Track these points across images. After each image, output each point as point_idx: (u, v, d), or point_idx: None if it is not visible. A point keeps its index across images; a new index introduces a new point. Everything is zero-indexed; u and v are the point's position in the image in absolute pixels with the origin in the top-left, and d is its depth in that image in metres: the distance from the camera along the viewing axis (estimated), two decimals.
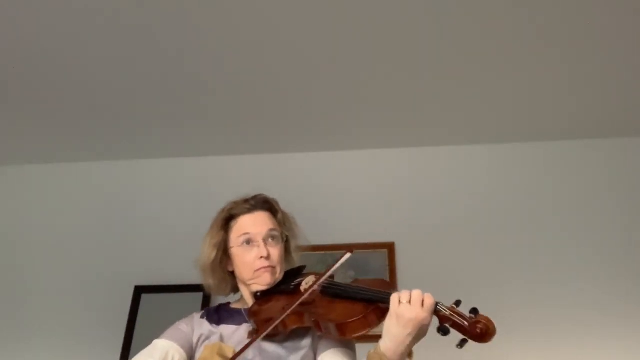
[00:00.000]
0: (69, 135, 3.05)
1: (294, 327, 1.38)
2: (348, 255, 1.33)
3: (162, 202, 3.14)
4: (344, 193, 3.10)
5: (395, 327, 1.19)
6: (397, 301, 1.21)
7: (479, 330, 1.15)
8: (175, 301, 2.81)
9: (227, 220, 1.56)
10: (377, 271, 2.89)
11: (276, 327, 1.36)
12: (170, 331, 1.49)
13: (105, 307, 2.88)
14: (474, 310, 1.19)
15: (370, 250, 2.93)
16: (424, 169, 3.13)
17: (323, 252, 2.92)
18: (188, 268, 2.87)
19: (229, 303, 1.59)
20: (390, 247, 2.93)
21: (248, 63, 2.51)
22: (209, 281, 1.55)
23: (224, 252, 1.54)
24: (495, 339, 2.97)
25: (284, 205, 3.03)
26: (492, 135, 3.08)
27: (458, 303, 1.22)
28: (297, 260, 1.60)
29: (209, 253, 1.52)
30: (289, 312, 1.32)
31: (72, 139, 3.09)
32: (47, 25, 2.26)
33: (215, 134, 3.06)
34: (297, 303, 1.33)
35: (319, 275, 1.40)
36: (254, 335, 1.41)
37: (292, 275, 1.53)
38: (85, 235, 3.10)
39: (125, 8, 2.18)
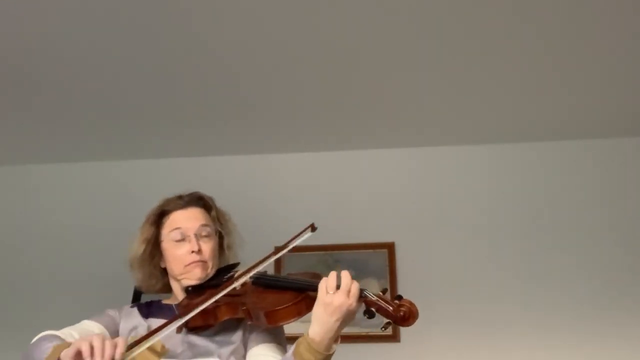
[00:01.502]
0: (70, 135, 3.05)
1: (226, 317, 1.39)
2: (309, 233, 1.37)
3: None
4: (344, 193, 3.10)
5: (323, 314, 1.22)
6: (325, 289, 1.23)
7: (402, 313, 1.20)
8: None
9: (159, 216, 1.57)
10: (377, 271, 2.89)
11: (207, 318, 1.38)
12: (98, 315, 1.54)
13: (105, 307, 2.87)
14: (398, 297, 1.23)
15: (370, 250, 2.94)
16: (424, 169, 3.14)
17: (323, 252, 2.93)
18: None
19: (160, 300, 1.59)
20: (390, 247, 2.93)
21: (248, 64, 2.51)
22: (137, 276, 1.56)
23: (155, 248, 1.54)
24: (495, 338, 2.99)
25: (284, 205, 3.05)
26: (492, 135, 3.08)
27: (384, 291, 1.26)
28: (231, 258, 1.58)
29: (137, 248, 1.53)
30: (217, 297, 1.33)
31: (73, 139, 3.09)
32: (47, 25, 2.26)
33: (215, 134, 3.06)
34: (228, 289, 1.34)
35: (251, 267, 1.41)
36: (182, 329, 1.42)
37: (225, 271, 1.52)
38: (85, 235, 3.10)
39: (126, 8, 2.18)
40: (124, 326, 1.50)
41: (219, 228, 1.56)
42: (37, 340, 1.34)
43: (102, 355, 1.13)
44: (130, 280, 3.09)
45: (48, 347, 1.25)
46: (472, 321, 2.74)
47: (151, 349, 1.33)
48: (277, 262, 2.83)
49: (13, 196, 3.27)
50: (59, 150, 3.18)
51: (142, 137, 3.08)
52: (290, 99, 2.78)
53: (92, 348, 1.13)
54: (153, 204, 3.39)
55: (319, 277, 1.34)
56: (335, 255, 2.94)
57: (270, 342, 1.41)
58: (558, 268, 2.83)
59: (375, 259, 2.92)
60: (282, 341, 1.44)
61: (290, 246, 1.43)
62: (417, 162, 3.16)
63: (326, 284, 1.24)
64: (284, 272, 2.87)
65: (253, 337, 1.42)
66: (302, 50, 2.44)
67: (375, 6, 2.19)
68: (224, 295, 1.37)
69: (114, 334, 1.47)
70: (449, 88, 2.70)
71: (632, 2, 2.16)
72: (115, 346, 1.15)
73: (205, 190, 3.44)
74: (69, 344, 1.22)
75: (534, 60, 2.50)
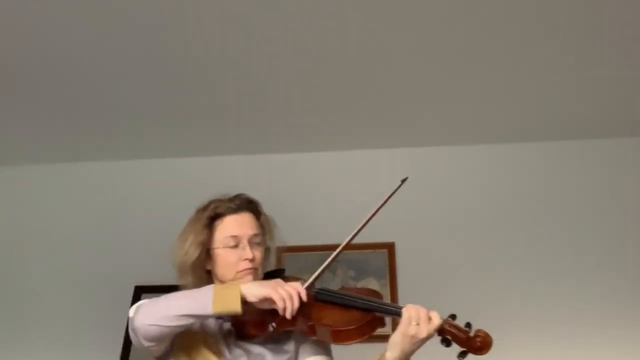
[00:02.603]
0: (69, 135, 3.05)
1: (286, 329, 1.38)
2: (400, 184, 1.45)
3: (162, 202, 3.14)
4: (344, 193, 3.09)
5: (407, 345, 1.30)
6: (409, 322, 1.29)
7: (478, 343, 1.30)
8: None
9: (212, 218, 1.54)
10: (377, 271, 2.89)
11: (266, 327, 1.37)
12: None
13: (105, 307, 2.88)
14: (468, 325, 1.33)
15: (370, 250, 2.93)
16: (424, 169, 3.13)
17: (323, 252, 2.92)
18: None
19: None
20: (390, 247, 2.93)
21: (248, 63, 2.51)
22: (187, 280, 1.53)
23: (205, 251, 1.53)
24: (497, 338, 2.97)
25: (285, 205, 3.04)
26: (492, 135, 3.08)
27: (454, 317, 1.35)
28: (273, 262, 1.60)
29: (192, 252, 1.50)
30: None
31: (72, 139, 3.09)
32: (47, 25, 2.26)
33: (216, 134, 3.06)
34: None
35: (317, 275, 1.40)
36: (230, 335, 1.42)
37: (273, 276, 1.53)
38: (85, 235, 3.10)
39: (127, 8, 2.18)
40: None
41: (268, 235, 1.58)
42: (153, 300, 1.38)
43: (292, 305, 1.28)
44: (130, 279, 3.11)
45: (203, 291, 1.33)
46: (473, 321, 2.72)
47: (210, 350, 1.35)
48: (278, 262, 2.82)
49: (13, 196, 3.27)
50: (57, 150, 3.18)
51: (142, 137, 3.08)
52: (290, 99, 2.78)
53: (281, 295, 1.26)
54: (152, 204, 3.37)
55: (377, 295, 1.41)
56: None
57: (322, 354, 1.44)
58: (559, 268, 2.83)
59: (375, 259, 2.92)
60: (330, 353, 1.48)
61: (385, 203, 1.53)
62: (417, 162, 3.15)
63: (410, 315, 1.30)
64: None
65: (305, 347, 1.44)
66: (302, 50, 2.44)
67: (376, 5, 2.19)
68: None
69: None
70: (450, 88, 2.70)
71: (633, 2, 2.17)
72: (298, 293, 1.29)
73: (205, 190, 3.43)
74: (232, 284, 1.33)
75: (535, 60, 2.50)
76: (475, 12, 2.23)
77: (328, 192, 3.10)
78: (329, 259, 1.42)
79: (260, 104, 2.81)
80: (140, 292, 2.88)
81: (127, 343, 2.73)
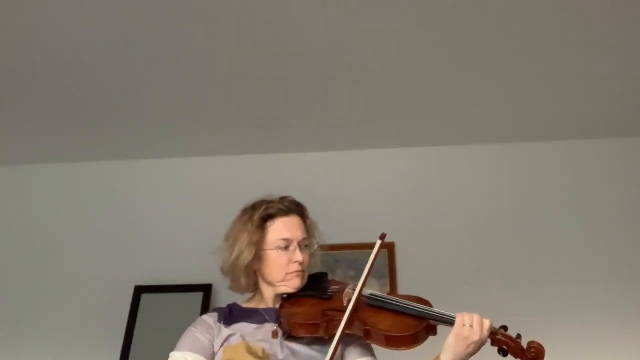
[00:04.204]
0: (70, 135, 3.05)
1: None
2: (379, 242, 1.45)
3: (162, 202, 3.14)
4: (344, 193, 3.09)
5: (461, 347, 1.34)
6: (462, 324, 1.35)
7: (533, 354, 1.33)
8: (175, 301, 2.81)
9: (263, 219, 1.54)
10: (377, 271, 2.88)
11: (317, 330, 1.41)
12: (190, 342, 1.46)
13: (105, 307, 2.88)
14: (519, 336, 1.37)
15: (370, 250, 2.92)
16: (424, 169, 3.13)
17: (323, 252, 2.92)
18: (188, 268, 2.88)
19: (234, 302, 1.59)
20: (390, 247, 2.93)
21: (249, 63, 2.51)
22: (240, 280, 1.53)
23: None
24: None
25: None
26: (493, 135, 3.08)
27: (505, 328, 1.39)
28: (313, 264, 1.62)
29: (248, 252, 1.50)
30: (348, 314, 1.35)
31: (73, 139, 3.08)
32: (46, 25, 2.26)
33: (215, 134, 3.06)
34: (351, 305, 1.36)
35: (364, 283, 1.43)
36: (279, 335, 1.45)
37: (317, 280, 1.57)
38: (86, 235, 3.10)
39: (124, 8, 2.18)
40: (218, 341, 1.47)
41: (314, 239, 1.60)
42: None
43: None
44: (130, 279, 3.10)
45: None
46: None
47: (252, 352, 1.35)
48: None
49: (13, 196, 3.27)
50: (57, 150, 3.17)
51: (143, 137, 3.08)
52: (290, 99, 2.78)
53: None
54: (152, 204, 3.36)
55: (426, 303, 1.44)
56: (336, 255, 2.93)
57: (369, 355, 1.47)
58: (559, 268, 2.83)
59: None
60: (374, 354, 1.50)
61: (370, 266, 1.47)
62: (417, 162, 3.15)
63: (464, 319, 1.35)
64: None
65: (351, 349, 1.47)
66: (304, 50, 2.44)
67: (377, 6, 2.19)
68: (341, 311, 1.40)
69: (211, 356, 1.45)
70: (450, 88, 2.70)
71: (632, 2, 2.17)
72: None
73: (206, 190, 3.43)
74: None
75: (535, 60, 2.50)
76: (478, 14, 2.23)
77: (328, 192, 3.10)
78: (366, 272, 1.44)
79: (261, 104, 2.81)
80: (140, 292, 2.89)
81: (127, 343, 2.73)
